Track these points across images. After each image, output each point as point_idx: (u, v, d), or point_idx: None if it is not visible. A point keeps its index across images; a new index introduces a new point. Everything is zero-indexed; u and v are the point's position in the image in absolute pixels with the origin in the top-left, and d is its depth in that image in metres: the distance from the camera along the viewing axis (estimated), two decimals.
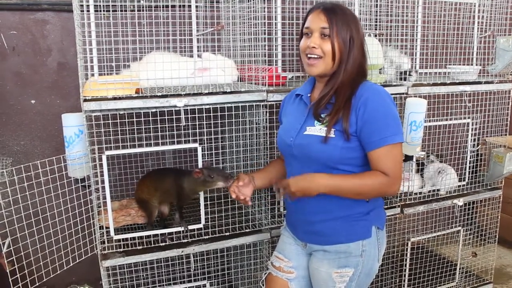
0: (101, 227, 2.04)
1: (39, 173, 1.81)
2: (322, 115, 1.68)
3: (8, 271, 1.83)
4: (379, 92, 1.66)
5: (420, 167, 2.84)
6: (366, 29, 2.42)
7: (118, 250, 2.02)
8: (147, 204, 2.16)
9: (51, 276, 1.93)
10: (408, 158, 2.37)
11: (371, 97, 1.62)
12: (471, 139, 2.82)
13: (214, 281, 2.51)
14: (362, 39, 1.69)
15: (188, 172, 2.10)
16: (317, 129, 1.67)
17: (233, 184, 1.88)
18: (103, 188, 1.96)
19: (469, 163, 2.85)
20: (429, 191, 2.69)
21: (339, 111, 1.63)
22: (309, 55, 1.68)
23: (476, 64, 2.83)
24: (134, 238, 2.08)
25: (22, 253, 1.85)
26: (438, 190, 2.73)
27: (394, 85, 2.38)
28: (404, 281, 2.75)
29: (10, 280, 1.77)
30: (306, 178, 1.63)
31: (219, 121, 2.06)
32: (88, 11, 1.87)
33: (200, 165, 2.08)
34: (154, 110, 1.92)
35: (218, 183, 1.98)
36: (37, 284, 1.87)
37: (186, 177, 2.10)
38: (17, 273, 1.78)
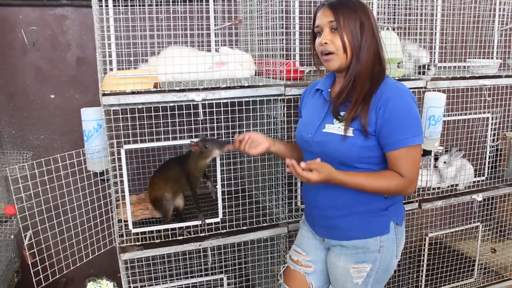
0: (119, 221, 2.06)
1: (59, 166, 1.83)
2: (341, 114, 1.66)
3: (29, 262, 1.86)
4: (401, 90, 1.63)
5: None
6: (384, 22, 2.39)
7: (136, 243, 2.03)
8: (161, 203, 2.15)
9: (71, 268, 1.96)
10: (426, 153, 2.35)
11: (392, 96, 1.59)
12: (490, 134, 2.78)
13: (231, 275, 2.52)
14: (373, 24, 1.64)
15: (187, 153, 2.11)
16: (336, 127, 1.66)
17: (243, 142, 1.91)
18: (122, 181, 1.98)
19: (489, 158, 2.81)
20: (448, 186, 2.66)
21: (357, 105, 1.61)
22: (323, 52, 1.67)
23: (496, 58, 2.79)
24: (152, 232, 2.10)
25: (43, 246, 1.88)
26: (456, 185, 2.70)
27: (413, 79, 2.35)
28: (422, 276, 2.73)
29: (31, 271, 1.80)
30: (324, 177, 1.58)
31: (237, 115, 2.06)
32: (106, 6, 1.88)
33: None
34: (172, 104, 1.92)
35: (214, 151, 2.01)
36: (58, 276, 1.90)
37: (188, 157, 2.11)
38: (38, 265, 1.81)
